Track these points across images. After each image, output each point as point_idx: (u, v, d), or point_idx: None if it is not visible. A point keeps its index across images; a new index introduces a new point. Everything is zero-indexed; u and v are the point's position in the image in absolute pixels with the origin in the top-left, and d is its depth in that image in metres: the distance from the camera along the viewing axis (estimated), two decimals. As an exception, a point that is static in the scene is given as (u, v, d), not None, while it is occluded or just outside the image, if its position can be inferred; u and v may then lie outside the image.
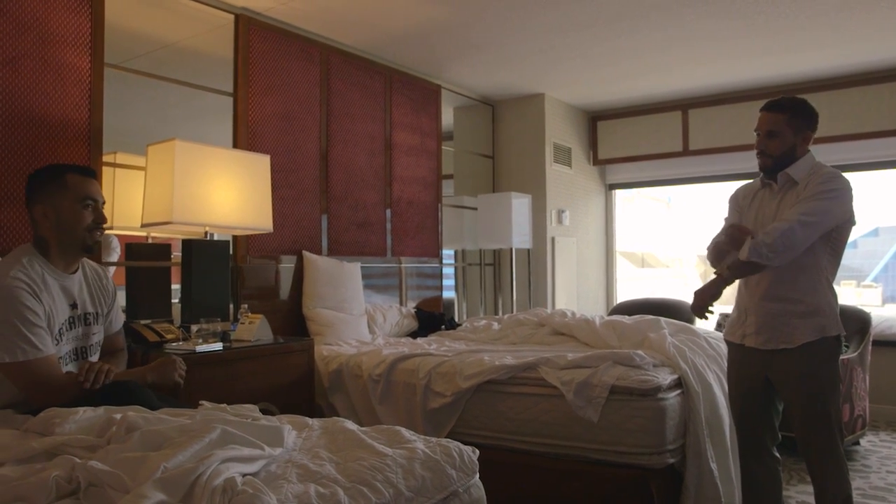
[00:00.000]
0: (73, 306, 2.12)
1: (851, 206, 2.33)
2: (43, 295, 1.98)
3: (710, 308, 2.39)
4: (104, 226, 2.18)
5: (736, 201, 2.59)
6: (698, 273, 10.25)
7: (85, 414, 1.73)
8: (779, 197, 2.40)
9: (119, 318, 2.38)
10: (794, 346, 2.31)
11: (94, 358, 2.23)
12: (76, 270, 2.17)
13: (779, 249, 2.21)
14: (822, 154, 2.49)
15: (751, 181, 2.59)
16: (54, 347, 1.99)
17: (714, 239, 2.52)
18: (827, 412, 2.29)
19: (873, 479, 3.59)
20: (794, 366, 2.32)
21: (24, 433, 1.74)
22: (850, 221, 2.35)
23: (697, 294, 2.41)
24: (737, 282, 2.52)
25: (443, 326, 4.36)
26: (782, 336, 2.34)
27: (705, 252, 2.53)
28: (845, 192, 2.30)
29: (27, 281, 1.95)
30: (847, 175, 2.35)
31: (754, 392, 2.45)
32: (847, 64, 4.84)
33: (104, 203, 2.20)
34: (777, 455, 2.50)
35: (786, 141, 2.36)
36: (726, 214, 2.60)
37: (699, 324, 4.93)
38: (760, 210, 2.45)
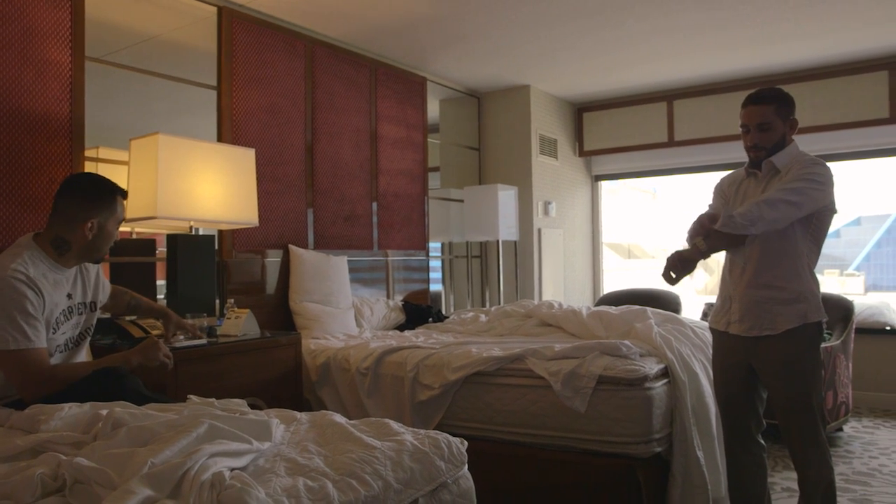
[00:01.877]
0: (69, 297, 2.19)
1: (832, 194, 2.35)
2: (44, 288, 2.04)
3: (678, 276, 2.34)
4: None
5: (721, 190, 2.61)
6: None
7: (70, 410, 1.72)
8: (763, 184, 2.43)
9: (107, 286, 2.45)
10: (777, 332, 2.34)
11: (85, 345, 2.30)
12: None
13: (753, 217, 2.22)
14: (804, 144, 2.52)
15: (735, 170, 2.61)
16: (46, 341, 2.04)
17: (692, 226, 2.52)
18: (809, 398, 2.32)
19: (856, 464, 3.64)
20: (776, 352, 2.35)
21: (8, 430, 1.74)
22: (830, 209, 2.38)
23: (670, 257, 2.35)
24: (721, 270, 2.54)
25: (430, 319, 4.36)
26: (765, 323, 2.36)
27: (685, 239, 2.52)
28: (827, 178, 2.32)
29: (28, 274, 2.00)
30: (829, 164, 2.38)
31: (738, 380, 2.48)
32: (830, 54, 4.87)
33: None
34: (762, 442, 2.53)
35: (777, 131, 2.39)
36: (710, 202, 2.62)
37: (685, 313, 4.97)
38: (746, 198, 2.47)
